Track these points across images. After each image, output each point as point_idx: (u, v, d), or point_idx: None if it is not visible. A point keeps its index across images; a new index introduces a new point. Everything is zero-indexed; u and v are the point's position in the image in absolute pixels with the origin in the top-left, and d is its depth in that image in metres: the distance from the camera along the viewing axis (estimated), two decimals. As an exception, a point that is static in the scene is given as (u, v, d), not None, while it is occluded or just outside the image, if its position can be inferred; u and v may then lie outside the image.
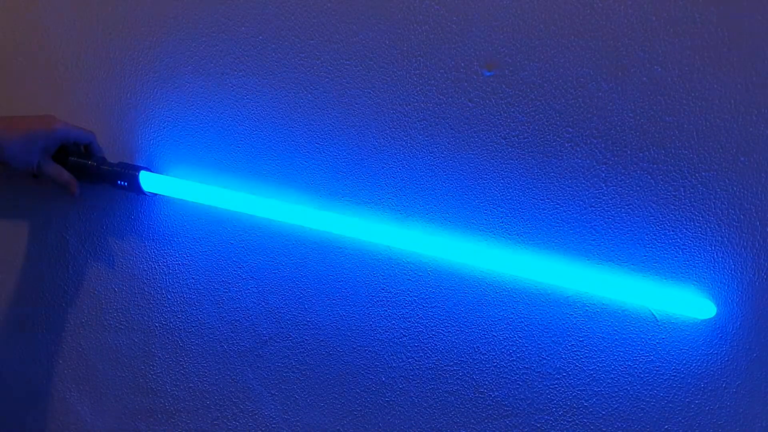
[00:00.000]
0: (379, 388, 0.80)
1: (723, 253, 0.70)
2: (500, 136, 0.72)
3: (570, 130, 0.71)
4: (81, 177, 0.80)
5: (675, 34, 0.67)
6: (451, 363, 0.78)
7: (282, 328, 0.82)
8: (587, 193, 0.71)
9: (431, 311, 0.77)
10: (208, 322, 0.85)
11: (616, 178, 0.70)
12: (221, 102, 0.80)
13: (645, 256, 0.71)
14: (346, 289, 0.79)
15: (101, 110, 0.84)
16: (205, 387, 0.86)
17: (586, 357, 0.74)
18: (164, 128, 0.82)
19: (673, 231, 0.70)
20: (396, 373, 0.80)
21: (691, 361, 0.72)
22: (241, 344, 0.84)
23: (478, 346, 0.77)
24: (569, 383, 0.75)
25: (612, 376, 0.74)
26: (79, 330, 0.89)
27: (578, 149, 0.71)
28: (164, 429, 0.89)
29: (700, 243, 0.70)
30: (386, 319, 0.79)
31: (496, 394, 0.77)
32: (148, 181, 0.79)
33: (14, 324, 0.91)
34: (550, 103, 0.71)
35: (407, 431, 0.80)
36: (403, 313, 0.78)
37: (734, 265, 0.70)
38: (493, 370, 0.77)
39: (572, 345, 0.74)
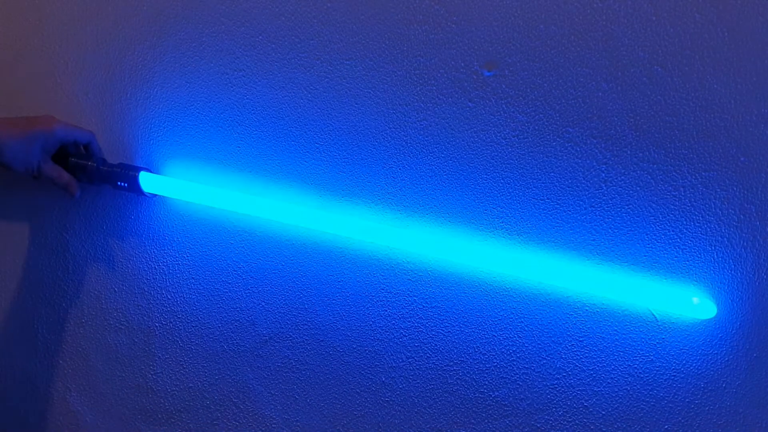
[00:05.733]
0: (379, 388, 0.80)
1: (723, 253, 0.70)
2: (500, 136, 0.72)
3: (570, 130, 0.71)
4: (81, 178, 0.80)
5: (675, 34, 0.67)
6: (451, 363, 0.78)
7: (282, 328, 0.82)
8: (587, 193, 0.71)
9: (431, 311, 0.77)
10: (208, 322, 0.85)
11: (616, 178, 0.70)
12: (221, 102, 0.80)
13: (645, 256, 0.71)
14: (346, 289, 0.79)
15: (101, 110, 0.84)
16: (205, 387, 0.86)
17: (586, 357, 0.74)
18: (164, 128, 0.82)
19: (673, 231, 0.70)
20: (396, 373, 0.80)
21: (691, 361, 0.72)
22: (241, 344, 0.84)
23: (478, 346, 0.77)
24: (569, 383, 0.75)
25: (612, 376, 0.74)
26: (79, 330, 0.89)
27: (578, 149, 0.71)
28: (164, 429, 0.89)
29: (700, 243, 0.70)
30: (386, 319, 0.79)
31: (496, 394, 0.77)
32: (148, 181, 0.79)
33: (14, 324, 0.91)
34: (550, 103, 0.71)
35: (407, 431, 0.80)
36: (403, 313, 0.78)
37: (734, 265, 0.70)
38: (493, 370, 0.77)
39: (572, 345, 0.74)
